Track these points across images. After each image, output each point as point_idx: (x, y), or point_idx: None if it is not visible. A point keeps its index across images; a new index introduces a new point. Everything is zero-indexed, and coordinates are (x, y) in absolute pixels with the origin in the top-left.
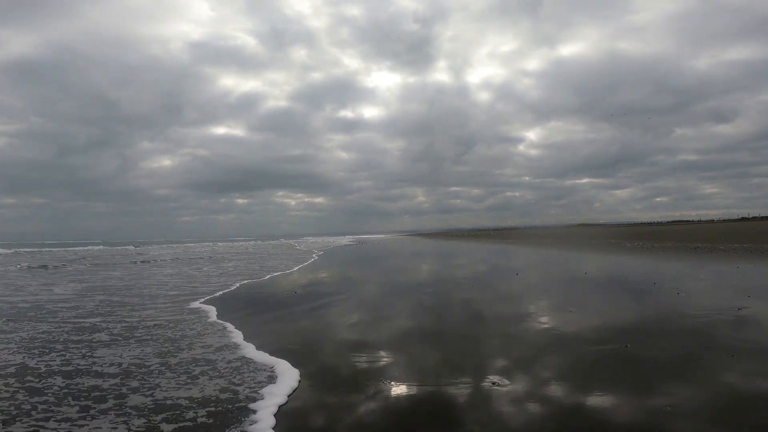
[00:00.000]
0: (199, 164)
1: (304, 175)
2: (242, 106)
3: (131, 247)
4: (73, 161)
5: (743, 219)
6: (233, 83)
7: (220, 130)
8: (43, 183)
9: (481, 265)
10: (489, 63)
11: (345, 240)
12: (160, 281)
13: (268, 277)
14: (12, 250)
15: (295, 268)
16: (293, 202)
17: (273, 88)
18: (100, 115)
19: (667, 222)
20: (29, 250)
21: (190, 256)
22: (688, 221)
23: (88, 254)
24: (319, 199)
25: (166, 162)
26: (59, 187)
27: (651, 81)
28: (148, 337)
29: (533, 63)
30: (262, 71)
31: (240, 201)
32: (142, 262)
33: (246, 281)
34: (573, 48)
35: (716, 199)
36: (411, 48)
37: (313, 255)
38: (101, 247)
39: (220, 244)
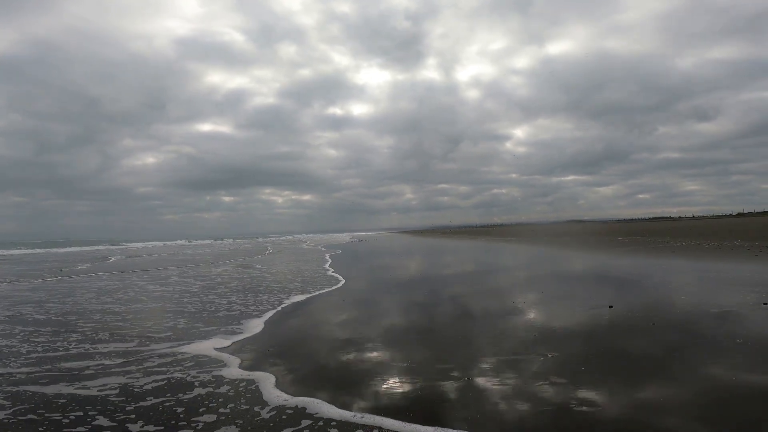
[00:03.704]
0: (184, 162)
1: (291, 172)
2: (229, 103)
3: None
4: (53, 159)
5: (739, 215)
6: (220, 80)
7: (206, 127)
8: (23, 181)
9: (509, 264)
10: (478, 61)
11: (344, 237)
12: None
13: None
14: None
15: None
16: (280, 200)
17: (261, 84)
18: (80, 112)
19: (655, 218)
20: None
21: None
22: (670, 218)
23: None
24: (307, 197)
25: (150, 159)
26: (39, 186)
27: (636, 79)
28: None
29: (522, 61)
30: (250, 68)
31: (226, 199)
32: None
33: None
34: (561, 46)
35: (697, 196)
36: (401, 45)
37: (327, 256)
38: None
39: (230, 240)
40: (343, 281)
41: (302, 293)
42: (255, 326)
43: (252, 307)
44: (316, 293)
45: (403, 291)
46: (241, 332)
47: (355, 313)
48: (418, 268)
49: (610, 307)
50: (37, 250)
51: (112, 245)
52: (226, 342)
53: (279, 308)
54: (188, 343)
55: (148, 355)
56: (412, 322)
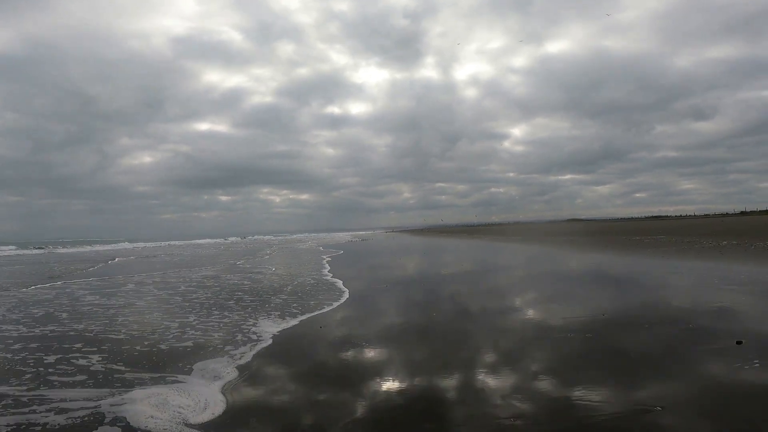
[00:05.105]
0: (181, 160)
1: (289, 171)
2: (226, 102)
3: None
4: (49, 158)
5: (742, 213)
6: (218, 78)
7: (203, 126)
8: (18, 180)
9: (539, 267)
10: (477, 59)
11: (345, 236)
12: None
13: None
14: None
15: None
16: (278, 199)
17: (259, 83)
18: (77, 110)
19: (653, 217)
20: None
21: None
22: (668, 216)
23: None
24: (305, 196)
25: (147, 158)
26: (35, 185)
27: (634, 78)
28: None
29: (520, 60)
30: (248, 66)
31: (223, 198)
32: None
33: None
34: (559, 45)
35: (693, 195)
36: (400, 44)
37: (324, 258)
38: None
39: (236, 239)
40: (347, 294)
41: (296, 315)
42: (211, 377)
43: (216, 335)
44: (312, 314)
45: (430, 307)
46: (184, 384)
47: (369, 348)
48: (433, 272)
49: (738, 343)
50: (31, 251)
51: (112, 244)
52: (153, 413)
53: (255, 343)
54: (106, 401)
55: None
56: (455, 368)
